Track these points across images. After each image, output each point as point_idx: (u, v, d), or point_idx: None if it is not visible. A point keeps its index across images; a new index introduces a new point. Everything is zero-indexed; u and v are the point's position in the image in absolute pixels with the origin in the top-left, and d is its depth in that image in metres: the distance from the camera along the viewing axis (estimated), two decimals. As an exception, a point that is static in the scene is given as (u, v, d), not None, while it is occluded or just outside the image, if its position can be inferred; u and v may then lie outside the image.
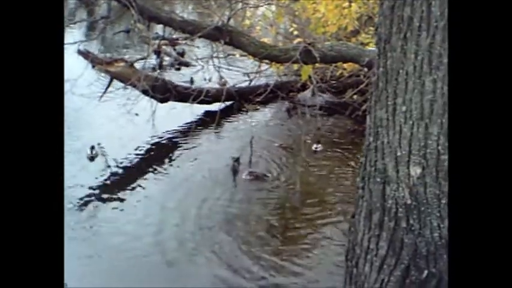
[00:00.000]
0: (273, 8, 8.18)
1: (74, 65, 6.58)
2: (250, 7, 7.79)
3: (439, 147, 2.94)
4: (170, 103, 7.10)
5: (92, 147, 6.18)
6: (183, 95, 7.07)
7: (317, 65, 6.60)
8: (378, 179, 3.11)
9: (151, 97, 6.68)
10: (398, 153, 3.02)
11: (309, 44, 5.82)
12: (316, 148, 6.64)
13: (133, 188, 5.61)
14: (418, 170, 2.98)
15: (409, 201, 3.02)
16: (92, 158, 6.11)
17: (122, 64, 6.88)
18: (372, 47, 6.18)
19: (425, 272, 3.05)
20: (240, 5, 7.10)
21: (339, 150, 6.71)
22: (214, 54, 6.75)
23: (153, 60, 9.01)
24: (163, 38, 7.12)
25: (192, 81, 8.39)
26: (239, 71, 8.83)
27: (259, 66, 7.34)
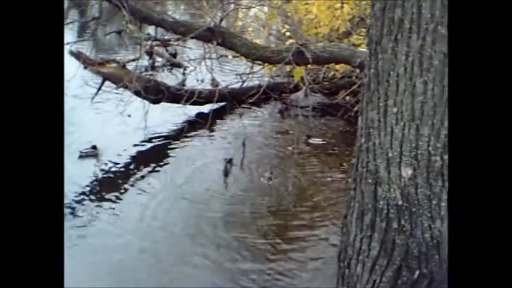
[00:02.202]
0: (265, 9, 8.19)
1: (66, 66, 6.54)
2: (243, 8, 7.81)
3: (430, 148, 2.96)
4: (163, 104, 7.09)
5: (94, 147, 6.17)
6: (175, 96, 7.06)
7: (309, 66, 6.63)
8: (370, 180, 3.13)
9: (144, 98, 6.66)
10: (390, 154, 3.03)
11: (302, 45, 5.84)
12: (323, 141, 6.69)
13: (125, 189, 5.60)
14: (409, 171, 2.99)
15: (400, 202, 3.03)
16: (82, 156, 6.09)
17: (113, 65, 6.86)
18: (364, 48, 6.20)
19: (417, 272, 3.07)
20: (232, 6, 7.11)
21: (331, 151, 6.72)
22: (207, 55, 6.75)
23: (145, 61, 8.99)
24: (155, 39, 7.11)
25: (184, 74, 8.33)
26: (232, 72, 8.85)
27: (252, 68, 7.36)
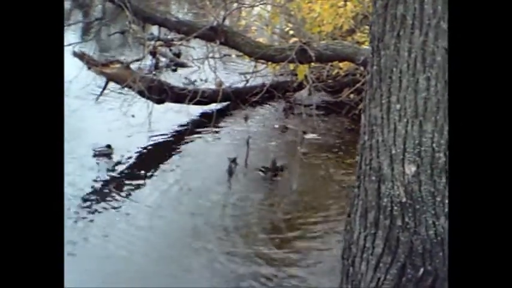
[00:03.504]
0: (269, 7, 8.16)
1: (69, 67, 6.55)
2: (246, 7, 7.79)
3: (434, 145, 2.95)
4: (167, 104, 7.09)
5: (108, 146, 6.21)
6: (179, 96, 7.06)
7: (313, 64, 6.61)
8: (373, 178, 3.12)
9: (148, 98, 6.67)
10: (393, 152, 3.02)
11: (305, 43, 5.82)
12: (318, 136, 6.69)
13: (130, 189, 5.60)
14: (413, 168, 2.98)
15: (404, 199, 3.02)
16: (96, 155, 6.12)
17: (117, 65, 6.86)
18: (367, 46, 6.18)
19: (421, 269, 3.05)
20: (235, 5, 7.10)
21: (335, 150, 6.71)
22: (210, 55, 6.74)
23: (148, 61, 9.00)
24: (159, 39, 7.11)
25: (193, 83, 8.28)
26: (235, 71, 8.85)
27: (255, 66, 7.35)
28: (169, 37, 7.29)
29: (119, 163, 6.12)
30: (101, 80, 7.14)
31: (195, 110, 7.29)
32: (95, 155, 6.12)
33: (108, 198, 5.38)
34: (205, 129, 7.03)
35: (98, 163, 6.04)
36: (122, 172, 5.99)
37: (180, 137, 6.90)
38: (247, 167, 6.10)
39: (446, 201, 2.99)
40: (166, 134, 6.97)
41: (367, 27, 7.41)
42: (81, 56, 6.82)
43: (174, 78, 8.47)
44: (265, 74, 7.88)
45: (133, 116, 6.88)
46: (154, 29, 7.13)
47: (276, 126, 7.50)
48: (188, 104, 6.75)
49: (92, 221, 4.95)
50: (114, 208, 5.18)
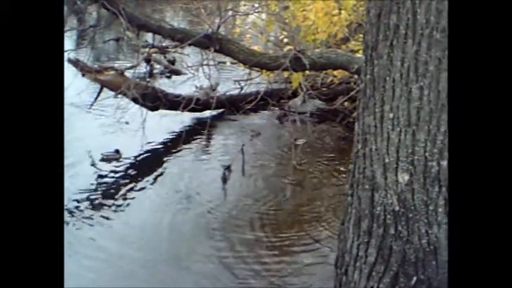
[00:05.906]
0: (263, 15, 8.20)
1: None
2: (240, 15, 7.82)
3: (426, 154, 2.95)
4: (161, 111, 7.09)
5: (117, 151, 6.20)
6: (173, 103, 7.06)
7: (307, 72, 6.63)
8: (367, 186, 3.12)
9: (142, 105, 6.67)
10: (386, 160, 3.03)
11: (299, 51, 5.84)
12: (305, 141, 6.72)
13: (123, 197, 5.58)
14: (406, 177, 2.99)
15: (397, 208, 3.02)
16: (104, 160, 6.12)
17: (111, 72, 6.87)
18: (361, 54, 6.20)
19: (414, 278, 3.05)
20: (230, 13, 7.13)
21: (329, 156, 6.71)
22: (205, 62, 6.76)
23: (143, 69, 9.00)
24: (153, 46, 7.12)
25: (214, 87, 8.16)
26: (230, 79, 8.86)
27: (250, 74, 7.37)
28: (163, 44, 7.31)
29: (113, 171, 6.11)
30: (95, 87, 7.14)
31: (189, 117, 7.28)
32: (102, 160, 6.13)
33: (99, 202, 5.36)
34: (199, 136, 7.02)
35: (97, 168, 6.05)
36: (114, 179, 5.97)
37: (173, 144, 6.89)
38: (244, 175, 6.09)
39: (439, 209, 2.99)
40: (160, 142, 6.95)
41: (361, 35, 7.44)
42: (75, 62, 6.83)
43: (169, 85, 8.48)
44: (259, 82, 7.90)
45: (127, 123, 6.87)
46: (149, 36, 7.14)
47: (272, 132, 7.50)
48: (182, 111, 6.76)
49: (78, 228, 4.94)
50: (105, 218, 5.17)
